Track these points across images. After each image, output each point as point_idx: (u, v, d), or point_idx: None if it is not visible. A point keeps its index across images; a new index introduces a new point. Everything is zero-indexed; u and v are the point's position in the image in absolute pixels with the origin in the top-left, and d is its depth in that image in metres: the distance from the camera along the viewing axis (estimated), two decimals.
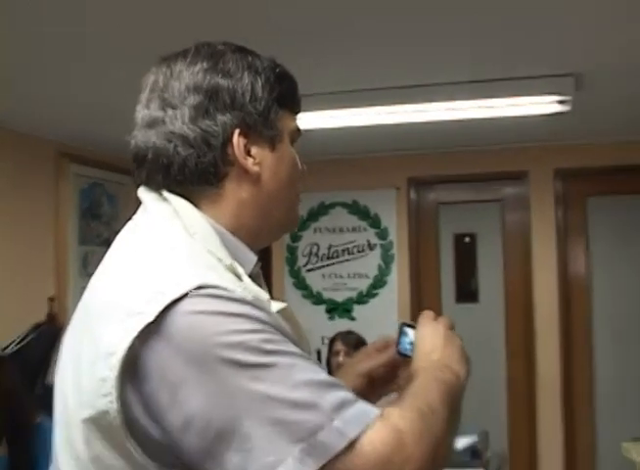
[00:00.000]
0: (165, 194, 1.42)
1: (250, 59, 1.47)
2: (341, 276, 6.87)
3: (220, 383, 1.18)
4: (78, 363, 1.29)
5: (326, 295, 6.89)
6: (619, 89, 4.79)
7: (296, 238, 6.98)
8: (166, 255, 1.32)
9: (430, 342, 1.53)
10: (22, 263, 5.48)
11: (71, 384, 1.30)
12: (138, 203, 1.49)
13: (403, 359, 1.57)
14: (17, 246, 5.44)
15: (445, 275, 6.81)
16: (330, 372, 4.06)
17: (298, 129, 1.57)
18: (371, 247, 6.82)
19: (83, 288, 1.41)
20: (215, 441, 1.17)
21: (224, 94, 1.42)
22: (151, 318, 1.19)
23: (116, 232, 1.48)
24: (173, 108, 1.42)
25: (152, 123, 1.44)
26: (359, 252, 6.82)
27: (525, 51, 4.07)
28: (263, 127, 1.45)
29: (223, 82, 1.42)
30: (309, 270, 6.96)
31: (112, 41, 3.77)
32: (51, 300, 5.44)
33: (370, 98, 4.71)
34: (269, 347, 1.21)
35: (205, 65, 1.43)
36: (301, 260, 6.98)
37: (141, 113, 1.47)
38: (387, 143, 6.28)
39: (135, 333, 1.19)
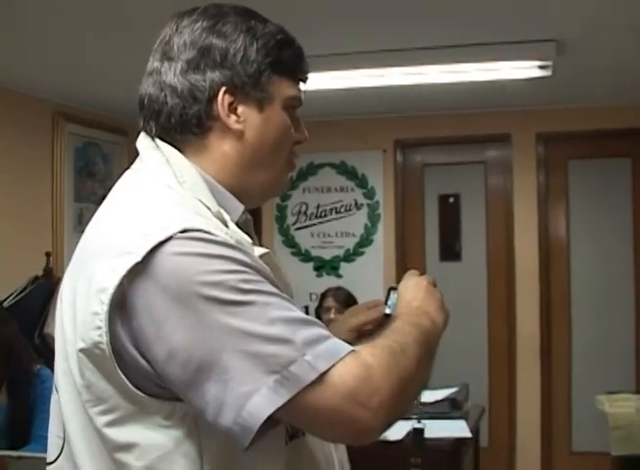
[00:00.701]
0: (158, 142, 1.50)
1: (251, 23, 1.53)
2: (328, 235, 6.99)
3: (200, 319, 1.27)
4: (74, 300, 1.38)
5: (314, 252, 7.02)
6: (600, 55, 4.89)
7: (285, 197, 7.08)
8: (155, 201, 1.41)
9: (412, 292, 1.62)
10: (21, 219, 5.63)
11: (69, 319, 1.39)
12: (130, 161, 1.57)
13: (388, 318, 1.62)
14: (16, 202, 5.58)
15: (430, 235, 6.93)
16: None
17: (296, 97, 1.61)
18: (358, 206, 6.95)
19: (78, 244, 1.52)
20: (196, 372, 1.26)
21: (216, 53, 1.48)
22: (139, 259, 1.28)
23: (110, 190, 1.54)
24: (170, 60, 1.50)
25: (151, 73, 1.53)
26: (347, 211, 6.95)
27: (507, 17, 4.18)
28: (252, 89, 1.51)
29: (217, 42, 1.49)
30: (298, 229, 7.08)
31: (109, 6, 3.86)
32: (48, 254, 5.55)
33: (358, 61, 4.82)
34: (247, 286, 1.29)
35: (204, 23, 1.50)
36: (290, 219, 7.10)
37: (148, 62, 1.55)
38: (374, 106, 6.36)
39: (124, 272, 1.29)
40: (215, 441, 1.33)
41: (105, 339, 1.30)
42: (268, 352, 1.25)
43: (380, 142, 6.88)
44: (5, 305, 4.98)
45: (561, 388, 6.62)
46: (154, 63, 1.53)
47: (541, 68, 4.81)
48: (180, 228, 1.31)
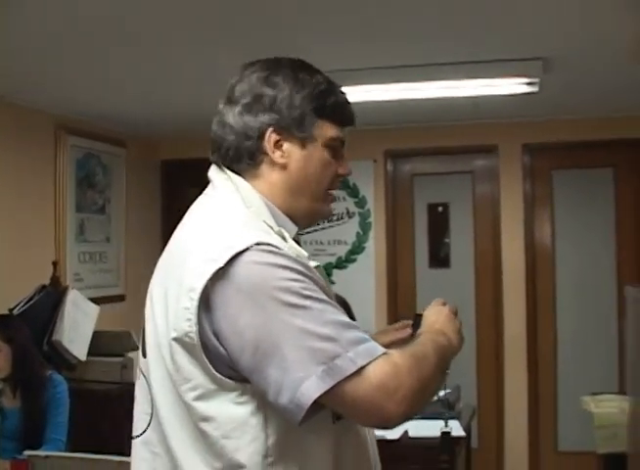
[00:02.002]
0: (229, 173, 1.83)
1: (300, 75, 1.85)
2: (321, 242, 7.11)
3: (268, 316, 1.58)
4: (165, 297, 1.69)
5: None
6: (584, 71, 5.05)
7: None
8: (230, 220, 1.74)
9: (434, 316, 1.90)
10: (25, 230, 5.75)
11: (161, 314, 1.70)
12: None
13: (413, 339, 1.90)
14: (20, 213, 5.71)
15: (419, 242, 7.08)
16: None
17: (337, 137, 1.88)
18: (350, 215, 7.08)
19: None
20: (261, 360, 1.57)
21: (266, 100, 1.81)
22: (221, 264, 1.60)
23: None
24: (232, 103, 1.84)
25: (217, 113, 1.87)
26: (339, 220, 7.06)
27: (495, 36, 4.32)
28: (296, 129, 1.82)
29: (267, 90, 1.82)
30: None
31: (110, 22, 3.94)
32: (55, 263, 5.71)
33: (350, 78, 4.87)
34: (306, 293, 1.61)
35: (260, 74, 1.84)
36: None
37: (219, 104, 1.89)
38: (365, 118, 6.38)
39: (209, 275, 1.60)
40: (277, 416, 1.62)
41: (194, 329, 1.61)
42: (319, 348, 1.56)
43: (370, 152, 7.01)
44: (14, 313, 5.13)
45: (547, 389, 6.80)
46: (219, 105, 1.87)
47: (529, 84, 4.96)
48: (255, 241, 1.63)
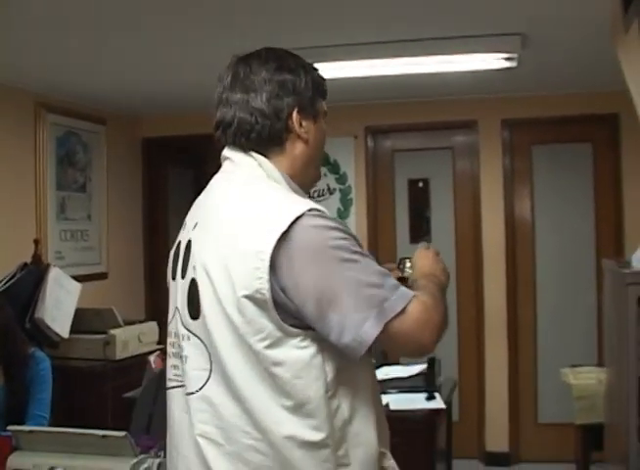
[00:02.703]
0: (251, 152, 2.05)
1: (302, 61, 2.14)
2: None
3: (327, 271, 1.88)
4: (225, 263, 1.91)
5: None
6: (561, 47, 5.08)
7: None
8: (275, 191, 2.01)
9: (422, 261, 2.28)
10: (6, 208, 5.76)
11: (221, 277, 1.91)
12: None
13: (402, 280, 2.18)
14: (1, 193, 5.72)
15: (400, 218, 7.14)
16: None
17: (326, 111, 2.20)
18: (331, 191, 7.11)
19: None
20: (324, 307, 1.86)
21: (289, 84, 2.07)
22: (285, 228, 1.85)
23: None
24: (254, 91, 2.05)
25: (235, 102, 2.06)
26: (320, 196, 7.08)
27: (474, 12, 4.35)
28: (310, 108, 2.12)
29: (288, 77, 2.08)
30: None
31: (89, 5, 3.99)
32: (36, 242, 5.71)
33: (330, 54, 4.97)
34: (354, 249, 1.92)
35: (274, 63, 2.08)
36: None
37: (224, 94, 2.08)
38: (346, 94, 6.49)
39: (275, 239, 1.85)
40: (332, 356, 1.92)
41: (266, 286, 1.85)
42: (371, 294, 1.88)
43: (351, 129, 7.04)
44: None
45: (527, 362, 6.87)
46: (235, 95, 2.07)
47: (507, 59, 4.99)
48: (308, 208, 1.91)
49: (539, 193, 6.94)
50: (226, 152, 2.11)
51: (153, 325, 6.25)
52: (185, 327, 2.01)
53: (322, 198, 7.09)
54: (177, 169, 8.33)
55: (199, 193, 2.18)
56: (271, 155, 2.07)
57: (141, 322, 6.22)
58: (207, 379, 1.96)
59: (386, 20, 4.49)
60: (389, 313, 1.87)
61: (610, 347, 3.78)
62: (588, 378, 5.06)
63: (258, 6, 4.11)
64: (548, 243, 6.91)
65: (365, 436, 1.99)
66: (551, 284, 6.88)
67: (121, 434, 3.06)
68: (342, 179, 7.12)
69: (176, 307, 2.07)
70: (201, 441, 1.96)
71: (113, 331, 5.72)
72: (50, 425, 4.40)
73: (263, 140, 2.06)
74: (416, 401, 4.51)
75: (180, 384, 2.05)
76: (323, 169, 6.94)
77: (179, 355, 2.04)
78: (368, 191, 7.13)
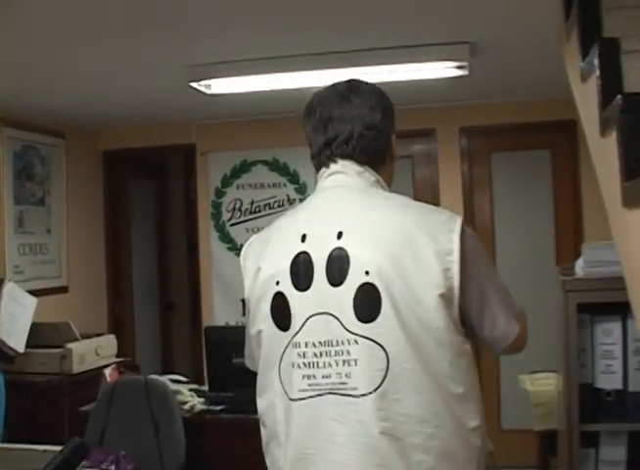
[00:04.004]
0: (365, 166, 2.26)
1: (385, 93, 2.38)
2: (262, 229, 7.05)
3: (487, 275, 2.21)
4: (403, 264, 2.05)
5: None
6: (512, 54, 5.10)
7: (220, 194, 7.25)
8: (419, 201, 2.29)
9: None
10: None
11: (405, 278, 2.05)
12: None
13: None
14: None
15: None
16: None
17: None
18: (290, 201, 7.08)
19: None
20: (482, 306, 2.15)
21: (390, 110, 2.33)
22: (459, 231, 2.08)
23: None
24: (371, 109, 2.27)
25: (355, 117, 2.26)
26: (279, 206, 7.06)
27: (424, 21, 4.36)
28: (394, 131, 2.35)
29: (389, 103, 2.34)
30: (233, 225, 7.23)
31: (45, 16, 3.94)
32: None
33: (282, 64, 4.99)
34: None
35: (378, 91, 2.34)
36: (226, 215, 7.24)
37: (335, 112, 2.28)
38: (303, 105, 6.52)
39: (458, 241, 2.07)
40: (473, 346, 2.17)
41: (456, 284, 2.06)
42: (509, 299, 2.24)
43: None
44: None
45: (489, 369, 6.87)
46: (352, 111, 2.27)
47: (458, 68, 5.01)
48: (459, 216, 2.16)
49: (499, 200, 6.96)
50: (339, 166, 2.27)
51: (111, 338, 6.21)
52: (350, 331, 2.06)
53: (282, 208, 7.07)
54: (139, 181, 8.30)
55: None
56: (377, 168, 2.28)
57: (98, 335, 6.18)
58: (384, 378, 2.03)
59: (335, 30, 4.49)
60: (521, 317, 2.27)
61: (560, 353, 3.80)
62: (546, 384, 5.06)
63: (213, 15, 4.09)
64: (508, 250, 6.92)
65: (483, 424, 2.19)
66: (511, 291, 6.81)
67: (62, 449, 3.03)
68: (301, 189, 7.11)
69: (329, 314, 2.08)
70: (383, 438, 2.02)
71: (69, 345, 5.68)
72: (5, 440, 4.38)
73: (375, 154, 2.27)
74: None
75: (321, 393, 2.08)
76: (282, 180, 6.96)
77: (331, 363, 2.08)
78: None
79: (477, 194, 6.96)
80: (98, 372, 5.15)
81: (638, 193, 1.99)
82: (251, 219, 7.20)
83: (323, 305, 2.09)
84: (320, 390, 2.07)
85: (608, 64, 2.50)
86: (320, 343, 2.08)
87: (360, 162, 2.25)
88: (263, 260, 2.22)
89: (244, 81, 5.26)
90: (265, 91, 5.58)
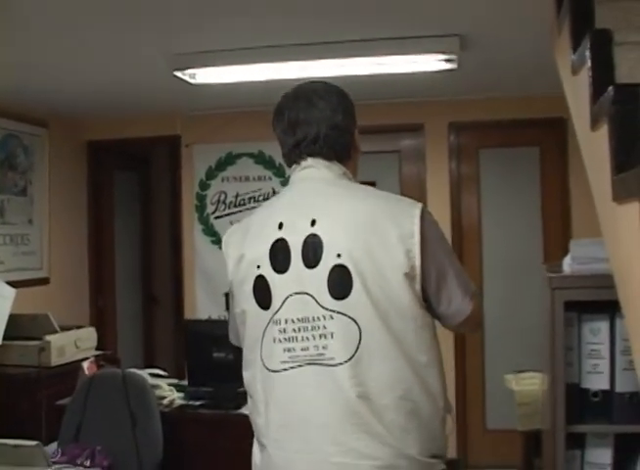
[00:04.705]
0: (333, 160, 2.50)
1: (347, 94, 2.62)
2: (243, 220, 7.02)
3: (445, 256, 2.42)
4: (371, 247, 2.29)
5: None
6: (503, 49, 5.04)
7: (204, 187, 7.21)
8: (379, 191, 2.57)
9: None
10: None
11: (373, 260, 2.28)
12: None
13: None
14: None
15: None
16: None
17: None
18: (275, 195, 6.99)
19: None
20: (440, 284, 2.38)
21: (351, 109, 2.58)
22: (419, 216, 2.32)
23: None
24: (333, 111, 2.50)
25: (319, 119, 2.48)
26: (264, 199, 6.94)
27: (414, 12, 4.30)
28: (355, 126, 2.59)
29: (349, 102, 2.59)
30: (217, 217, 7.19)
31: (30, 4, 3.89)
32: None
33: (268, 55, 4.93)
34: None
35: (338, 91, 2.58)
36: (210, 208, 7.20)
37: (301, 115, 2.50)
38: None
39: (418, 224, 2.30)
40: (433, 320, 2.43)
41: (417, 263, 2.28)
42: (465, 278, 2.48)
43: None
44: None
45: (474, 368, 6.84)
46: (316, 114, 2.49)
47: (447, 61, 4.95)
48: (421, 204, 2.42)
49: (486, 197, 6.91)
50: (309, 161, 2.50)
51: (91, 331, 6.15)
52: (325, 308, 2.29)
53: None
54: (123, 172, 8.25)
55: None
56: (344, 162, 2.53)
57: (78, 328, 6.11)
58: (357, 348, 2.26)
59: (323, 20, 4.43)
60: (475, 295, 2.48)
61: (542, 353, 3.74)
62: (531, 384, 5.01)
63: (199, 3, 4.02)
64: (495, 247, 6.88)
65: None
66: (498, 288, 6.83)
67: (33, 443, 2.98)
68: (286, 183, 6.83)
69: (305, 293, 2.32)
70: (359, 400, 2.26)
71: (48, 337, 5.61)
72: None
73: (341, 150, 2.51)
74: None
75: (301, 363, 2.31)
76: (268, 173, 6.92)
77: (309, 337, 2.31)
78: None
79: (464, 191, 6.91)
80: (77, 365, 5.08)
81: (628, 187, 1.92)
82: (235, 212, 7.16)
83: (300, 286, 2.33)
84: (300, 361, 2.31)
85: (600, 55, 2.46)
86: (298, 319, 2.32)
87: (328, 158, 2.49)
88: (245, 247, 2.46)
89: (229, 71, 5.20)
90: (251, 82, 5.53)
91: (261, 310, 2.39)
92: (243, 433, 4.41)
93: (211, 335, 4.64)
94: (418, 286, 2.32)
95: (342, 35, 4.72)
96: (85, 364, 4.90)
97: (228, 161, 7.18)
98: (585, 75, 2.55)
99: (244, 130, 7.03)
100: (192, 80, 5.30)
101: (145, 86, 6.03)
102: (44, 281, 6.81)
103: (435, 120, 6.84)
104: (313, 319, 2.31)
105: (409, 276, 2.29)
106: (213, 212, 7.21)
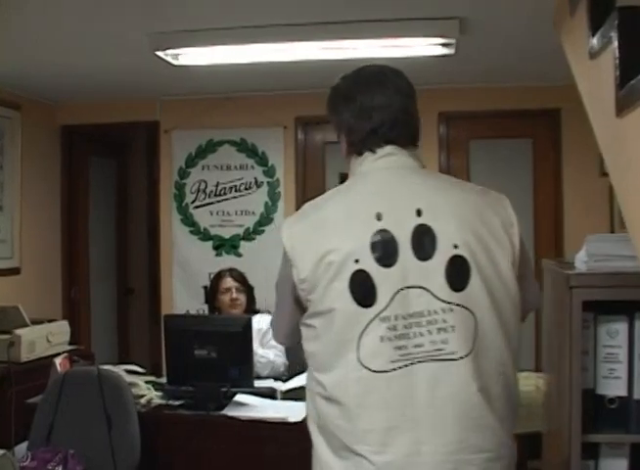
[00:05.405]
0: (410, 147, 2.39)
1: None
2: (228, 213, 6.90)
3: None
4: (482, 237, 2.25)
5: (213, 231, 6.93)
6: (501, 35, 4.90)
7: (184, 175, 7.00)
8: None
9: None
10: None
11: (487, 249, 2.24)
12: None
13: None
14: None
15: None
16: (220, 308, 4.21)
17: None
18: (258, 184, 6.87)
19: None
20: (527, 275, 2.44)
21: (415, 96, 2.51)
22: (510, 205, 2.38)
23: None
24: (409, 97, 2.47)
25: (399, 107, 2.40)
26: (246, 189, 6.87)
27: None
28: None
29: (413, 90, 2.51)
30: (197, 207, 6.98)
31: None
32: None
33: (255, 35, 4.74)
34: None
35: (405, 77, 2.52)
36: (189, 197, 7.00)
37: (377, 99, 2.40)
38: (275, 82, 6.29)
39: (514, 214, 2.37)
40: None
41: (518, 253, 2.31)
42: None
43: (280, 119, 6.81)
44: None
45: None
46: (395, 99, 2.41)
47: (444, 45, 4.79)
48: None
49: None
50: (389, 149, 2.37)
51: (63, 324, 5.95)
52: (444, 301, 2.21)
53: (249, 191, 6.89)
54: (99, 159, 8.02)
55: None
56: (415, 150, 2.42)
57: (50, 321, 5.89)
58: (474, 340, 2.22)
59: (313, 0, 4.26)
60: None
61: (549, 354, 3.53)
62: (526, 385, 4.85)
63: None
64: None
65: None
66: None
67: (1, 453, 2.74)
68: (270, 172, 6.88)
69: (418, 287, 2.20)
70: (479, 394, 2.21)
71: (18, 331, 5.39)
72: None
73: (414, 138, 2.42)
74: None
75: (413, 361, 2.19)
76: (250, 161, 6.75)
77: (423, 332, 2.20)
78: (297, 185, 6.90)
79: None
80: (49, 361, 4.85)
81: None
82: (215, 202, 6.96)
83: (412, 279, 2.21)
84: (412, 359, 2.19)
85: (627, 35, 2.30)
86: (409, 315, 2.20)
87: (405, 144, 2.38)
88: (331, 242, 2.27)
89: (214, 52, 4.96)
90: (235, 66, 5.35)
91: (359, 308, 2.22)
92: (225, 435, 4.30)
93: (192, 331, 4.44)
94: (516, 274, 2.31)
95: (334, 16, 4.53)
96: (57, 360, 4.66)
97: (209, 148, 6.96)
98: (609, 58, 2.39)
99: (226, 117, 6.85)
100: (174, 61, 5.07)
101: (124, 68, 5.81)
102: (14, 271, 6.57)
103: (425, 110, 6.48)
104: (429, 313, 2.23)
105: (514, 265, 2.29)
106: (193, 202, 7.00)
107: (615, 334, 3.00)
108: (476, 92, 6.52)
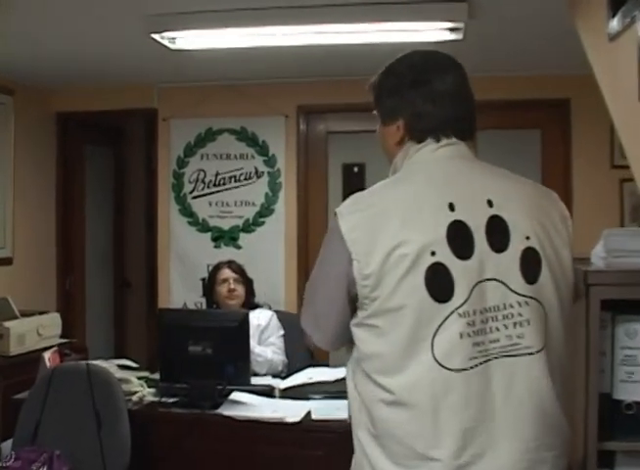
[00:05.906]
0: (469, 141, 2.35)
1: None
2: (227, 204, 6.77)
3: None
4: (546, 229, 2.23)
5: (212, 222, 6.79)
6: (511, 22, 4.76)
7: (182, 164, 6.86)
8: None
9: None
10: None
11: (551, 242, 2.23)
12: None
13: None
14: None
15: (333, 204, 6.59)
16: (218, 300, 4.00)
17: None
18: (258, 175, 6.73)
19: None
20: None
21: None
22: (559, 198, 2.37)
23: None
24: (469, 89, 2.39)
25: (469, 101, 2.38)
26: (246, 179, 6.73)
27: None
28: None
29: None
30: (195, 197, 6.84)
31: None
32: None
33: (255, 18, 4.58)
34: None
35: (464, 70, 2.41)
36: (188, 187, 6.86)
37: (460, 90, 2.35)
38: (277, 70, 6.16)
39: (565, 207, 2.33)
40: None
41: (570, 245, 2.29)
42: None
43: (282, 108, 6.68)
44: None
45: None
46: (467, 93, 2.37)
47: (452, 30, 4.64)
48: None
49: None
50: (453, 139, 2.30)
51: (55, 317, 5.85)
52: (519, 294, 2.17)
53: (249, 181, 6.74)
54: (95, 147, 7.88)
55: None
56: (472, 141, 2.37)
57: (41, 313, 5.78)
58: (545, 333, 2.19)
59: None
60: None
61: None
62: None
63: None
64: None
65: None
66: None
67: None
68: (270, 162, 6.73)
69: (495, 279, 2.15)
70: (552, 389, 2.18)
71: (7, 323, 5.30)
72: None
73: (475, 128, 2.38)
74: (343, 409, 4.09)
75: (489, 357, 2.13)
76: (251, 151, 6.66)
77: (499, 327, 2.16)
78: (299, 175, 6.75)
79: None
80: (39, 354, 4.72)
81: None
82: (214, 192, 6.81)
83: (487, 272, 2.16)
84: (488, 355, 2.14)
85: None
86: (485, 309, 2.15)
87: (466, 136, 2.34)
88: (402, 233, 2.14)
89: (211, 35, 4.80)
90: (235, 51, 5.19)
91: (434, 303, 2.12)
92: (220, 435, 4.16)
93: (188, 326, 4.32)
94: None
95: None
96: (47, 354, 4.52)
97: (208, 137, 6.82)
98: (632, 39, 2.33)
99: (226, 105, 6.72)
100: (171, 45, 4.91)
101: (120, 53, 5.67)
102: (7, 261, 6.44)
103: None
104: (504, 307, 2.18)
105: (572, 255, 2.29)
106: (191, 192, 6.85)
107: (633, 335, 2.83)
108: (482, 81, 6.20)
